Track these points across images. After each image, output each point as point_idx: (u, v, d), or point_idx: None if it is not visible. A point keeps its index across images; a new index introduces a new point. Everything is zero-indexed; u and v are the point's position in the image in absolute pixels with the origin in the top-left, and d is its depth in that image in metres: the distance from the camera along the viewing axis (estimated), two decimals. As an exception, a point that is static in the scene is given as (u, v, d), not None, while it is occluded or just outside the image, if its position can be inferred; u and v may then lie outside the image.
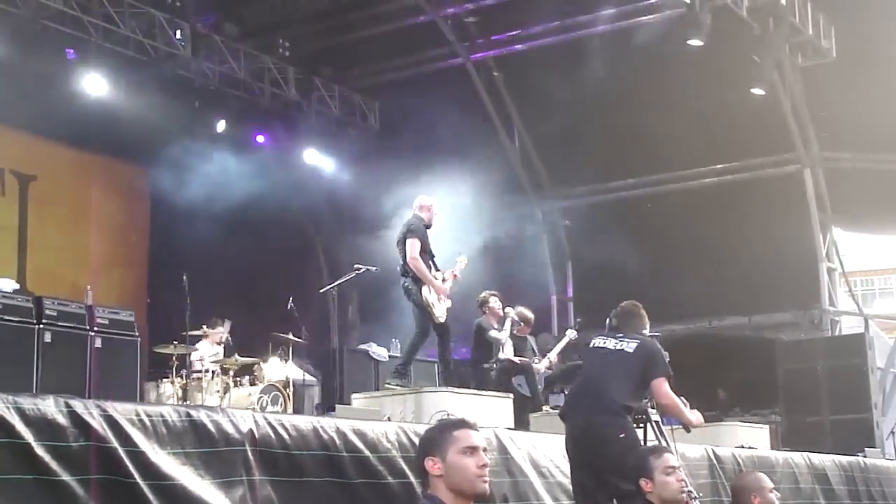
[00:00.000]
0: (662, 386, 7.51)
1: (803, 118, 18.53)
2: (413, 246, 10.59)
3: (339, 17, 19.06)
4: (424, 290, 10.60)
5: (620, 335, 7.76)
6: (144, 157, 17.48)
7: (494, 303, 12.60)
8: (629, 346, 7.62)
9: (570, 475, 7.86)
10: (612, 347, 7.68)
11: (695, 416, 7.79)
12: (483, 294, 12.77)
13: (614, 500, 7.08)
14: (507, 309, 12.56)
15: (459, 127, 18.78)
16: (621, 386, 7.48)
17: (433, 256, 10.89)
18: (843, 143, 18.49)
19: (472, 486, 4.14)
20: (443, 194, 17.99)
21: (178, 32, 16.54)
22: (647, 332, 7.94)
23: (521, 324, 12.87)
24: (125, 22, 15.66)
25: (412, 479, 6.47)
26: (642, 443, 7.44)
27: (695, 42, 16.23)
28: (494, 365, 12.28)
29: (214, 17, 17.62)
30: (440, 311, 10.69)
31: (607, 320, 8.08)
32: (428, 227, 10.90)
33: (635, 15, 17.78)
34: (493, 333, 12.35)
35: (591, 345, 7.92)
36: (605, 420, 7.36)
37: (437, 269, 10.94)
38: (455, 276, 11.13)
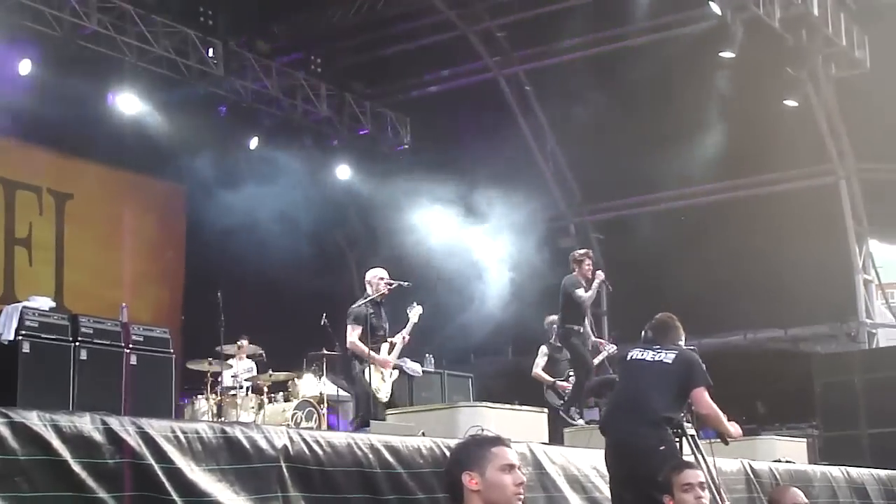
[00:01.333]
0: (703, 396, 7.46)
1: (838, 129, 18.41)
2: (350, 331, 10.69)
3: (370, 34, 19.14)
4: (366, 373, 10.61)
5: (658, 347, 7.72)
6: (179, 174, 17.58)
7: (588, 264, 12.49)
8: (668, 356, 7.58)
9: (608, 489, 7.83)
10: (651, 359, 7.63)
11: (733, 427, 7.74)
12: (581, 251, 12.66)
13: None
14: (599, 271, 12.45)
15: (491, 141, 18.82)
16: (661, 397, 7.45)
17: (380, 332, 10.84)
18: (878, 154, 18.33)
19: (508, 503, 4.15)
20: (475, 209, 18.14)
21: (211, 50, 16.66)
22: (682, 343, 7.90)
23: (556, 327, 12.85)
24: (158, 41, 15.79)
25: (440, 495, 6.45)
26: (681, 456, 7.39)
27: (727, 54, 16.21)
28: (580, 329, 12.16)
29: (246, 35, 17.73)
30: (384, 392, 10.72)
31: (642, 332, 8.03)
32: (378, 299, 10.90)
33: (667, 27, 17.74)
34: (579, 293, 12.22)
35: (629, 357, 7.88)
36: (645, 432, 7.32)
37: (386, 340, 10.93)
38: (406, 339, 11.10)
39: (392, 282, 10.94)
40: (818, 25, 16.60)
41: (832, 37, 16.96)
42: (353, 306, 10.88)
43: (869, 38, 17.61)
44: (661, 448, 7.19)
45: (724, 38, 15.98)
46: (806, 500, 6.77)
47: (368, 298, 10.82)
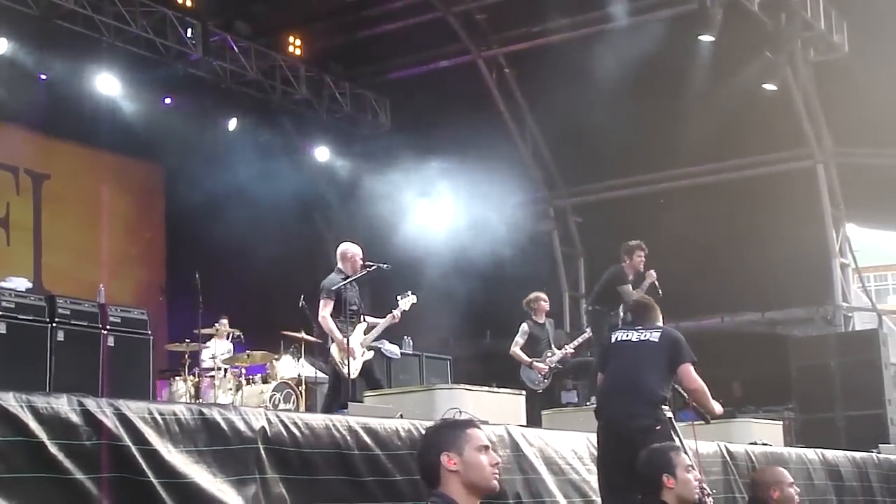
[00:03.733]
0: (690, 371, 7.60)
1: (816, 113, 18.48)
2: (323, 305, 10.50)
3: (349, 15, 19.08)
4: (333, 348, 10.50)
5: (640, 327, 7.83)
6: (157, 155, 17.54)
7: (639, 256, 12.36)
8: (653, 335, 7.70)
9: (596, 471, 7.87)
10: (637, 339, 7.74)
11: (716, 405, 7.83)
12: (634, 242, 12.52)
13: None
14: (651, 271, 12.24)
15: (471, 124, 18.78)
16: (654, 376, 7.55)
17: (354, 306, 10.60)
18: (856, 138, 18.42)
19: (487, 482, 4.27)
20: (454, 191, 18.14)
21: (190, 31, 16.58)
22: (660, 323, 7.98)
23: (539, 307, 12.86)
24: (136, 21, 15.70)
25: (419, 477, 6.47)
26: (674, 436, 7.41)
27: (706, 37, 16.23)
28: (612, 313, 12.08)
29: (225, 16, 17.65)
30: (353, 367, 10.43)
31: (622, 315, 8.12)
32: (350, 276, 10.63)
33: (647, 11, 17.75)
34: (625, 288, 12.01)
35: (614, 340, 7.97)
36: (642, 412, 7.40)
37: (363, 320, 10.73)
38: (396, 317, 10.83)
39: (371, 263, 10.87)
40: (797, 9, 16.64)
41: (811, 21, 17.00)
42: (326, 280, 10.68)
43: (847, 23, 17.67)
44: (657, 428, 7.25)
45: (703, 22, 15.98)
46: (791, 480, 6.82)
47: (343, 276, 10.57)
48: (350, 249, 10.86)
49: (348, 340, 10.27)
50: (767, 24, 16.57)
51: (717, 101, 17.48)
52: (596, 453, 8.04)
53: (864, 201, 19.24)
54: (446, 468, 4.24)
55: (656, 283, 12.18)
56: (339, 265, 10.80)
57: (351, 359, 10.36)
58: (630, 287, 12.09)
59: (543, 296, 12.98)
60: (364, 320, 10.79)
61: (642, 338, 7.71)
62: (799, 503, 6.81)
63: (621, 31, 17.77)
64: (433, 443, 4.34)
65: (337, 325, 10.42)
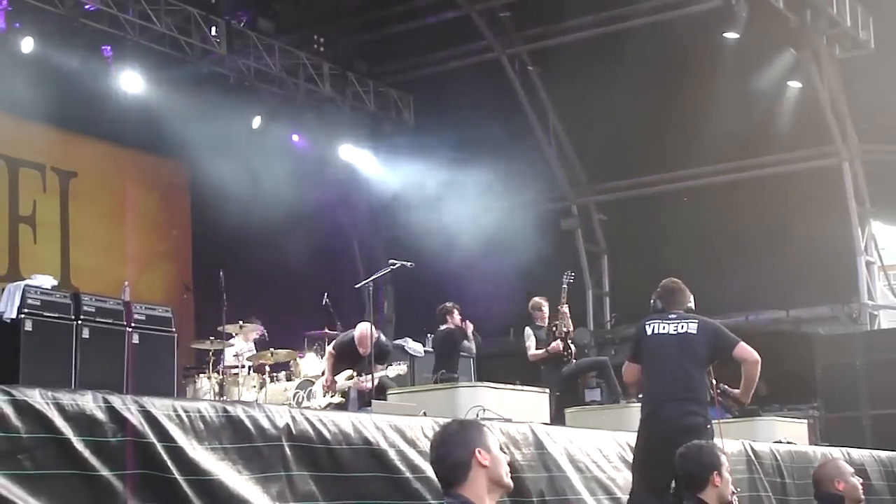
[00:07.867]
0: (745, 347, 7.45)
1: (841, 111, 18.36)
2: (327, 352, 12.04)
3: (373, 12, 19.11)
4: (317, 382, 11.96)
5: (673, 316, 7.54)
6: (182, 152, 17.57)
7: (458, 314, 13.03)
8: (691, 327, 7.42)
9: (634, 469, 7.73)
10: (675, 332, 7.44)
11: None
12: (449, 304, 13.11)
13: None
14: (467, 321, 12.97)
15: (495, 121, 18.78)
16: (699, 374, 7.39)
17: (348, 367, 11.65)
18: (882, 135, 18.30)
19: (508, 478, 4.29)
20: (478, 189, 18.13)
21: (214, 29, 16.63)
22: (692, 305, 7.74)
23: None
24: (161, 19, 15.75)
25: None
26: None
27: (731, 35, 16.18)
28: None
29: (249, 13, 17.70)
30: (318, 401, 11.62)
31: (651, 302, 7.84)
32: (361, 351, 11.55)
33: (672, 7, 17.69)
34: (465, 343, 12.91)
35: (650, 332, 7.54)
36: (695, 410, 7.26)
37: (358, 375, 11.57)
38: (358, 381, 11.63)
39: (394, 261, 11.00)
40: (822, 6, 16.57)
41: (836, 17, 16.91)
42: (340, 339, 11.88)
43: (873, 19, 17.56)
44: (708, 427, 7.16)
45: (728, 19, 15.95)
46: (852, 470, 6.81)
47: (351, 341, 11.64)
48: (363, 332, 11.53)
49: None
50: (792, 21, 16.51)
51: (742, 98, 17.42)
52: (622, 451, 7.99)
53: (890, 199, 19.11)
54: (480, 463, 4.20)
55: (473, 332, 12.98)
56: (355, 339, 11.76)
57: (322, 395, 11.61)
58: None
59: (539, 302, 13.03)
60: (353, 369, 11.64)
61: (680, 330, 7.41)
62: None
63: (645, 28, 17.74)
64: (463, 440, 4.27)
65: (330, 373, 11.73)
